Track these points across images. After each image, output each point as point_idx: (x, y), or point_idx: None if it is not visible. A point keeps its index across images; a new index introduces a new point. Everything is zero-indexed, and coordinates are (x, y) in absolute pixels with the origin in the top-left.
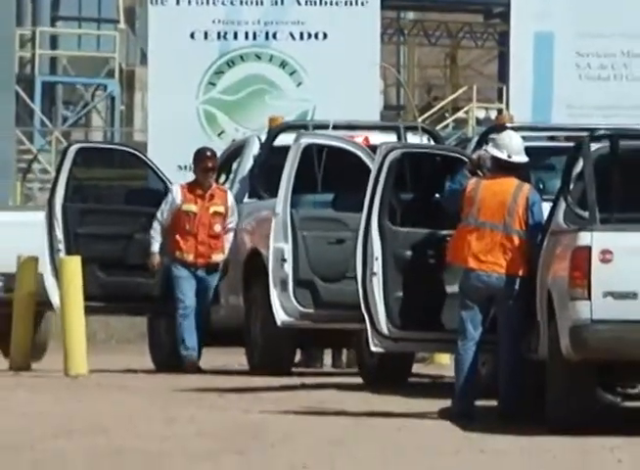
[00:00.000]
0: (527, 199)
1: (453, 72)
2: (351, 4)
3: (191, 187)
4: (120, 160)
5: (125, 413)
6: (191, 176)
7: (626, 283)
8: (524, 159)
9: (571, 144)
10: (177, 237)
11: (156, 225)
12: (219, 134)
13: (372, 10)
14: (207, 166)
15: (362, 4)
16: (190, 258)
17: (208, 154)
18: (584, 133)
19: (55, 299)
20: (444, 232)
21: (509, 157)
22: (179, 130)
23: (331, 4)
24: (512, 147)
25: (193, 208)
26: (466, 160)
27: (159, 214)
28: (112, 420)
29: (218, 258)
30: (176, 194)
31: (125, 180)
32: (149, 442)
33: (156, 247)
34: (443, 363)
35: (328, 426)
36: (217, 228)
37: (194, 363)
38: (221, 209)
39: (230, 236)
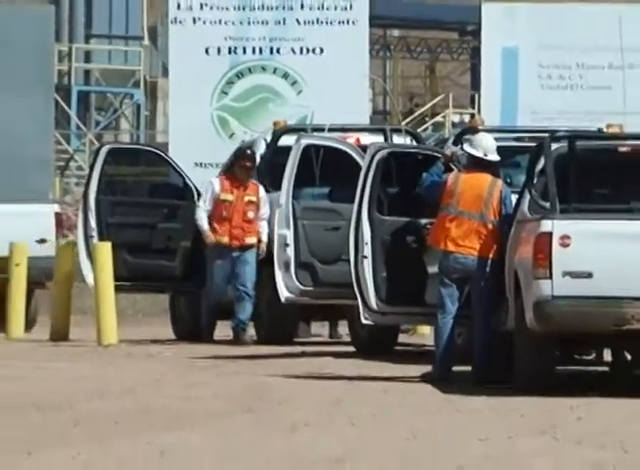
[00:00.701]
0: (501, 192)
1: (432, 82)
2: (344, 23)
3: (229, 179)
4: (145, 158)
5: (151, 378)
6: (206, 172)
7: (582, 264)
8: (496, 157)
9: (534, 144)
10: (214, 223)
11: (200, 211)
12: (230, 136)
13: (362, 28)
14: (246, 165)
15: (353, 23)
16: (225, 240)
17: (248, 153)
18: (545, 135)
19: (89, 279)
20: (424, 220)
21: (485, 155)
22: (196, 133)
23: (326, 23)
24: (487, 147)
25: (229, 197)
26: (441, 156)
27: (201, 203)
28: (139, 383)
29: (251, 240)
30: (216, 185)
31: (149, 176)
32: (172, 402)
33: (207, 226)
34: (425, 334)
35: (326, 388)
36: (250, 215)
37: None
38: (254, 198)
39: (265, 224)
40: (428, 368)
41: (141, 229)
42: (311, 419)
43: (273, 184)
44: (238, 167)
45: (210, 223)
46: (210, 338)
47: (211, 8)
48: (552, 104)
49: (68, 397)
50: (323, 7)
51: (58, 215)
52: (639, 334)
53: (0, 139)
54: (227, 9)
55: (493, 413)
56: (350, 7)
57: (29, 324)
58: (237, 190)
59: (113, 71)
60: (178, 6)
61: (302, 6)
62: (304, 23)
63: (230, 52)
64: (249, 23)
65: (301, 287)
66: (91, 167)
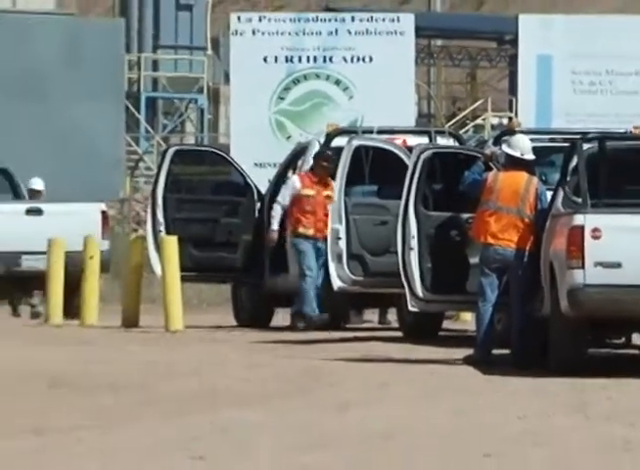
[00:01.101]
0: (537, 189)
1: (473, 88)
2: (392, 33)
3: (309, 177)
4: (208, 159)
5: (214, 360)
6: (265, 172)
7: (612, 255)
8: (532, 156)
9: (568, 144)
10: (299, 216)
11: (277, 207)
12: (287, 138)
13: (408, 38)
14: (324, 165)
15: (400, 34)
16: (311, 232)
17: (327, 153)
18: (578, 136)
19: (157, 270)
20: (466, 215)
21: (522, 155)
22: (255, 135)
23: (375, 33)
24: (523, 147)
25: (311, 192)
26: (481, 156)
27: (280, 198)
28: (204, 366)
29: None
30: (296, 182)
31: (212, 175)
32: (233, 383)
33: (275, 225)
34: (467, 320)
35: (375, 370)
36: (329, 208)
37: (314, 324)
38: (331, 193)
39: None
40: (470, 352)
41: (205, 224)
42: (362, 399)
43: None
44: (318, 166)
45: (295, 217)
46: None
47: (269, 20)
48: (584, 107)
49: (140, 378)
50: (372, 19)
51: (104, 213)
52: None
53: (76, 142)
54: (284, 21)
55: (530, 393)
56: (398, 19)
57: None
58: (317, 186)
59: (178, 79)
60: (239, 19)
61: (353, 18)
62: (355, 33)
63: (287, 61)
64: (303, 33)
65: (353, 277)
66: (159, 168)
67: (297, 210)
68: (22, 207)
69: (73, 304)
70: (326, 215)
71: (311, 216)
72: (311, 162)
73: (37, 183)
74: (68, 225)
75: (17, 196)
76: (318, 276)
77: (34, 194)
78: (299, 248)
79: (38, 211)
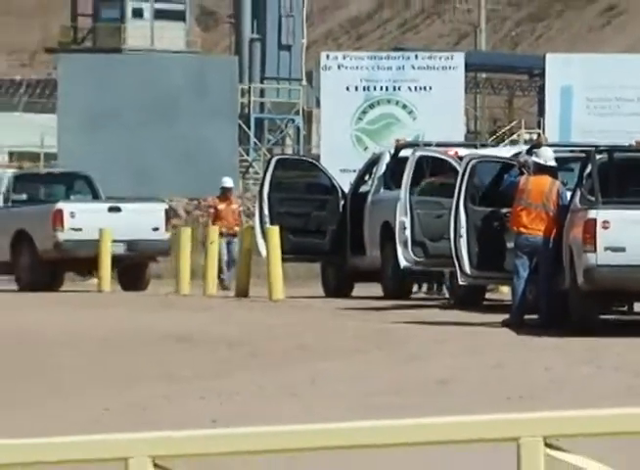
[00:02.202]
0: (558, 190)
1: (510, 111)
2: (447, 68)
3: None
4: (303, 166)
5: (308, 323)
6: (348, 176)
7: (618, 241)
8: (555, 164)
9: (584, 155)
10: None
11: None
12: (364, 149)
13: (459, 72)
14: None
15: (453, 68)
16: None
17: None
18: (592, 148)
19: (263, 252)
20: (504, 210)
21: (546, 162)
22: (340, 147)
23: (433, 68)
24: (548, 157)
25: None
26: (516, 163)
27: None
28: (298, 327)
29: None
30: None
31: (306, 178)
32: (321, 341)
33: None
34: (504, 292)
35: (433, 331)
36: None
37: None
38: None
39: None
40: (506, 317)
41: (300, 217)
42: (422, 353)
43: (395, 184)
44: None
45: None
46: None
47: (351, 58)
48: (596, 126)
49: (249, 337)
50: (431, 57)
51: (167, 211)
52: None
53: (200, 153)
54: (362, 59)
55: (555, 349)
56: (451, 57)
57: (146, 285)
58: None
59: (280, 104)
60: (327, 57)
61: (417, 56)
62: (418, 68)
63: (364, 90)
64: (378, 68)
65: (416, 258)
66: (264, 172)
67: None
68: (105, 205)
69: (144, 279)
70: None
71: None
72: (384, 168)
73: (228, 182)
74: (140, 220)
75: (95, 197)
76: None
77: (226, 190)
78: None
79: (117, 209)
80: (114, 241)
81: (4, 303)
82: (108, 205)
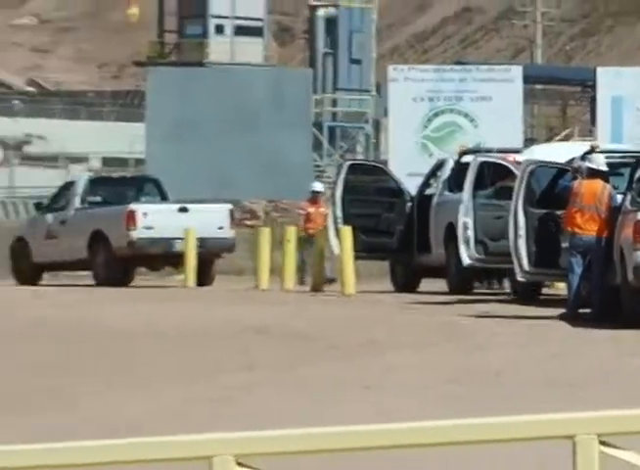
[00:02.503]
0: (610, 193)
1: (564, 120)
2: (506, 80)
3: None
4: (373, 170)
5: (378, 316)
6: (414, 180)
7: None
8: (606, 169)
9: (634, 161)
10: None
11: None
12: (429, 155)
13: (517, 84)
14: None
15: (512, 80)
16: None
17: None
18: None
19: (336, 250)
20: (560, 212)
21: (598, 167)
22: (406, 153)
23: (493, 80)
24: (600, 162)
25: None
26: (570, 168)
27: None
28: (371, 320)
29: None
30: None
31: (375, 182)
32: (393, 333)
33: None
34: (560, 287)
35: (494, 324)
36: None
37: None
38: None
39: None
40: (562, 310)
41: (370, 218)
42: (483, 345)
43: (458, 187)
44: None
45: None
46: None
47: (416, 71)
48: None
49: (322, 329)
50: (491, 70)
51: (231, 211)
52: None
53: (278, 159)
54: (427, 71)
55: (607, 341)
56: (510, 70)
57: (212, 280)
58: None
59: (351, 113)
60: (394, 69)
61: (477, 69)
62: (479, 80)
63: (429, 100)
64: (442, 80)
65: (477, 256)
66: (337, 177)
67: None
68: (175, 206)
69: (210, 274)
70: None
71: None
72: (448, 172)
73: (318, 186)
74: (206, 220)
75: (163, 199)
76: None
77: (316, 194)
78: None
79: (186, 210)
80: (184, 239)
81: (96, 297)
82: (177, 205)
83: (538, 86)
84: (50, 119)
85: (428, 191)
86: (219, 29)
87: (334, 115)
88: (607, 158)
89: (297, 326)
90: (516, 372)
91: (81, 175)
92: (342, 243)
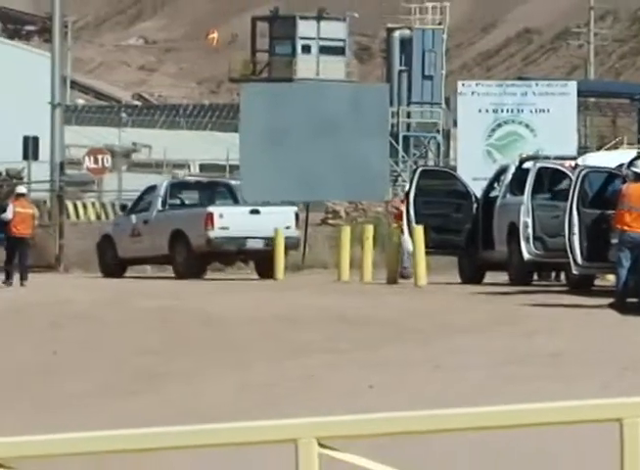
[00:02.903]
0: None
1: (614, 129)
2: (562, 94)
3: None
4: (443, 175)
5: (446, 304)
6: (480, 183)
7: None
8: None
9: None
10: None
11: None
12: (493, 161)
13: (572, 97)
14: None
15: (567, 94)
16: None
17: None
18: None
19: (409, 247)
20: (610, 212)
21: None
22: (473, 159)
23: (551, 94)
24: None
25: None
26: (619, 173)
27: None
28: (439, 307)
29: None
30: None
31: (445, 186)
32: (460, 319)
33: None
34: (610, 279)
35: (550, 312)
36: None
37: None
38: None
39: None
40: (611, 300)
41: (440, 217)
42: (541, 330)
43: (519, 190)
44: None
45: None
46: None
47: (482, 86)
48: None
49: (397, 315)
50: (549, 85)
51: (296, 213)
52: None
53: (357, 165)
54: (491, 86)
55: None
56: (565, 85)
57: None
58: None
59: (423, 124)
60: (463, 85)
61: (537, 84)
62: (538, 94)
63: (494, 112)
64: (504, 94)
65: (536, 251)
66: (410, 181)
67: None
68: (247, 209)
69: (272, 269)
70: None
71: None
72: (510, 177)
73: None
74: (275, 220)
75: (235, 202)
76: None
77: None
78: None
79: (257, 212)
80: (255, 238)
81: (195, 290)
82: (249, 208)
83: (591, 99)
84: (154, 130)
85: (492, 194)
86: (306, 49)
87: (408, 125)
88: None
89: (374, 313)
90: (571, 354)
91: (162, 180)
92: (414, 240)
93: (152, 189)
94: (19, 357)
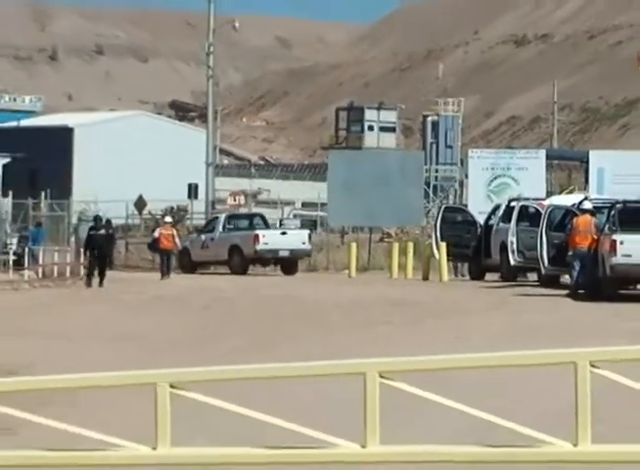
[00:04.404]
0: (595, 223)
1: (569, 181)
2: (535, 158)
3: None
4: (458, 210)
5: (461, 294)
6: (482, 215)
7: (628, 251)
8: (592, 209)
9: (609, 205)
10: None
11: None
12: (492, 201)
13: (542, 160)
14: None
15: (539, 158)
16: None
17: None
18: (614, 201)
19: (437, 255)
20: (565, 234)
21: (588, 208)
22: (478, 200)
23: (528, 158)
24: (589, 205)
25: None
26: (572, 209)
27: None
28: (455, 297)
29: None
30: None
31: (460, 217)
32: (466, 303)
33: None
34: (567, 278)
35: (529, 298)
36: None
37: None
38: None
39: None
40: (567, 291)
41: (457, 237)
42: (524, 311)
43: (508, 220)
44: None
45: None
46: None
47: (484, 152)
48: (618, 190)
49: (427, 300)
50: (527, 152)
51: (309, 234)
52: None
53: (404, 203)
54: (490, 153)
55: (596, 309)
56: (537, 152)
57: (295, 272)
58: None
59: (446, 177)
60: (472, 151)
61: (519, 152)
62: (520, 158)
63: (492, 169)
64: (499, 158)
65: (519, 259)
66: (437, 214)
67: None
68: (279, 231)
69: (296, 269)
70: None
71: None
72: (502, 211)
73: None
74: (296, 239)
75: (267, 227)
76: None
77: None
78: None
79: (285, 233)
80: (284, 249)
81: (291, 284)
82: (280, 231)
83: (555, 161)
84: (272, 180)
85: (490, 222)
86: (370, 128)
87: (436, 177)
88: (593, 203)
89: (414, 299)
90: (545, 327)
91: (222, 213)
92: (440, 252)
93: (215, 219)
94: (184, 325)
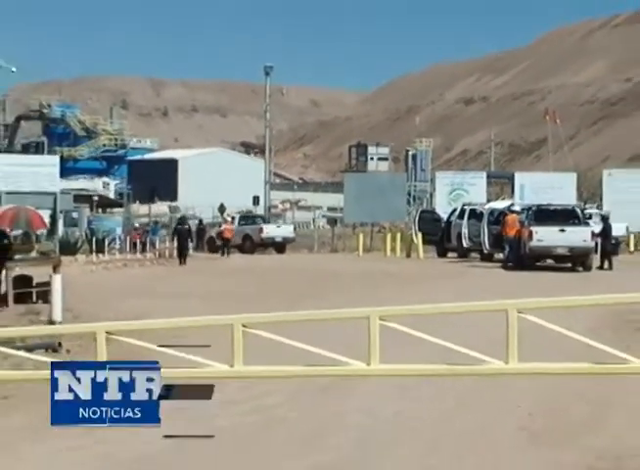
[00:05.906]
0: (520, 219)
1: (502, 192)
2: (479, 178)
3: None
4: (429, 211)
5: (431, 266)
6: (445, 215)
7: (540, 237)
8: (519, 210)
9: (527, 208)
10: None
11: None
12: (451, 205)
13: (484, 179)
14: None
15: (482, 178)
16: None
17: None
18: (532, 205)
19: (415, 240)
20: (499, 226)
21: (514, 209)
22: (442, 205)
23: (475, 178)
24: (515, 208)
25: None
26: (504, 210)
27: None
28: (427, 268)
29: None
30: None
31: (431, 216)
32: (437, 272)
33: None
34: (500, 256)
35: (476, 269)
36: None
37: None
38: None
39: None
40: (500, 264)
41: (429, 228)
42: (471, 278)
43: (462, 218)
44: None
45: None
46: None
47: (446, 174)
48: (534, 199)
49: (407, 271)
50: (475, 173)
51: (294, 228)
52: None
53: (393, 206)
54: (449, 175)
55: (521, 277)
56: (481, 173)
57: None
58: None
59: (421, 190)
60: (439, 175)
61: (469, 173)
62: (470, 177)
63: (451, 185)
64: (456, 178)
65: (469, 243)
66: (415, 214)
67: None
68: (275, 225)
69: (284, 251)
70: None
71: None
72: (457, 212)
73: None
74: (287, 230)
75: (267, 223)
76: None
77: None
78: None
79: (279, 227)
80: (279, 236)
81: (313, 261)
82: (276, 225)
83: (492, 179)
84: (307, 193)
85: (450, 219)
86: (372, 158)
87: (414, 190)
88: (517, 206)
89: (400, 271)
90: (483, 288)
91: (237, 214)
92: (417, 239)
93: (233, 218)
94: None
